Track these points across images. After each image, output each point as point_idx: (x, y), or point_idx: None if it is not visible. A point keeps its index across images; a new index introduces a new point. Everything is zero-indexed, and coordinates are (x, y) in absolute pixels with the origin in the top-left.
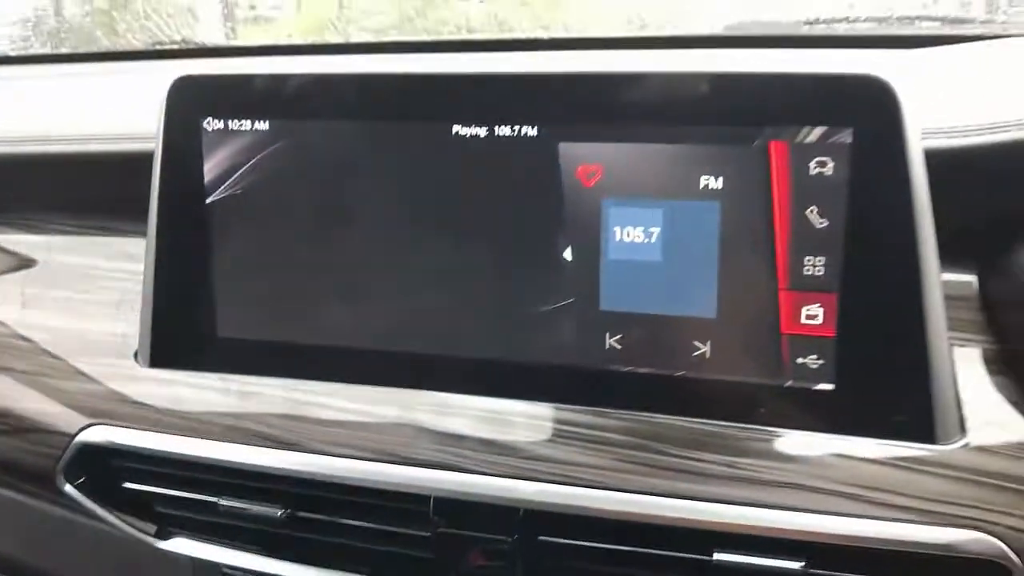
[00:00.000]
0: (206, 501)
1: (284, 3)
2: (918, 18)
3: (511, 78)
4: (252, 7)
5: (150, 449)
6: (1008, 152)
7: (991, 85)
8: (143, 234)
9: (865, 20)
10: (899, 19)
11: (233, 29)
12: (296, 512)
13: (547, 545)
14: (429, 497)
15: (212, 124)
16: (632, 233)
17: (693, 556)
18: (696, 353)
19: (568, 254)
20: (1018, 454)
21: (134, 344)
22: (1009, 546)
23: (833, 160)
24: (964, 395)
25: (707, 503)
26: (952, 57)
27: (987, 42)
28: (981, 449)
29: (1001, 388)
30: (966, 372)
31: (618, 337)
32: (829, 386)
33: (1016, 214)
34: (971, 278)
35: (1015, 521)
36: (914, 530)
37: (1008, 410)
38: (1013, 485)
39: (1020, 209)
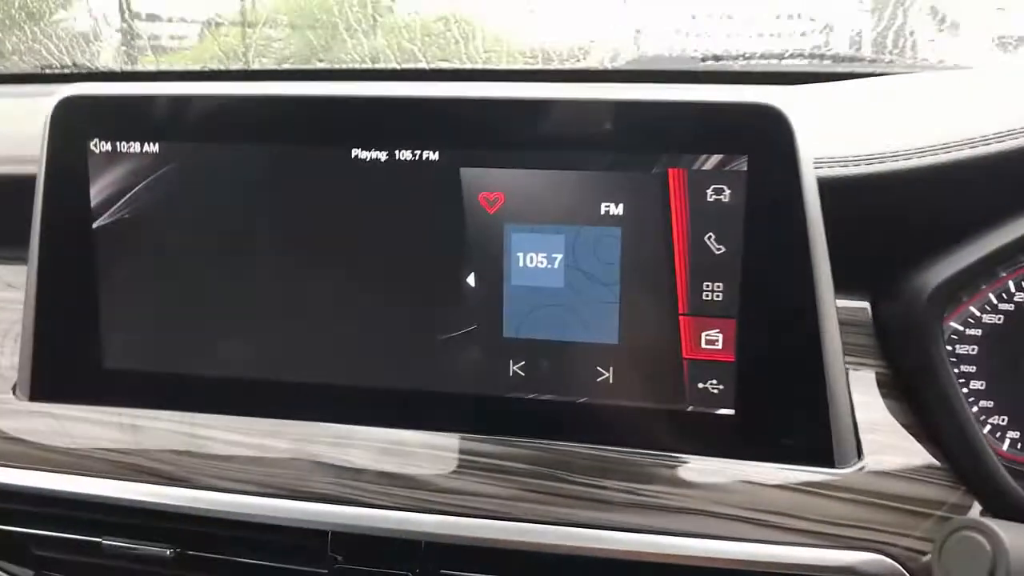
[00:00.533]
0: (89, 542)
1: (188, 32)
2: (812, 56)
3: (412, 101)
4: (154, 36)
5: (28, 487)
6: (894, 181)
7: (877, 118)
8: (15, 260)
9: (760, 57)
10: (792, 55)
11: (132, 58)
12: (186, 551)
13: None
14: (327, 532)
15: (99, 145)
16: (535, 259)
17: None
18: (599, 379)
19: (471, 280)
20: (913, 476)
21: (10, 376)
22: (904, 567)
23: (730, 187)
24: (859, 419)
25: (610, 531)
26: (841, 92)
27: (873, 79)
28: (878, 472)
29: (895, 412)
30: (861, 396)
31: (521, 364)
32: (729, 411)
33: (905, 240)
34: (864, 304)
35: (910, 542)
36: (815, 553)
37: (902, 433)
38: (908, 507)
39: (909, 235)
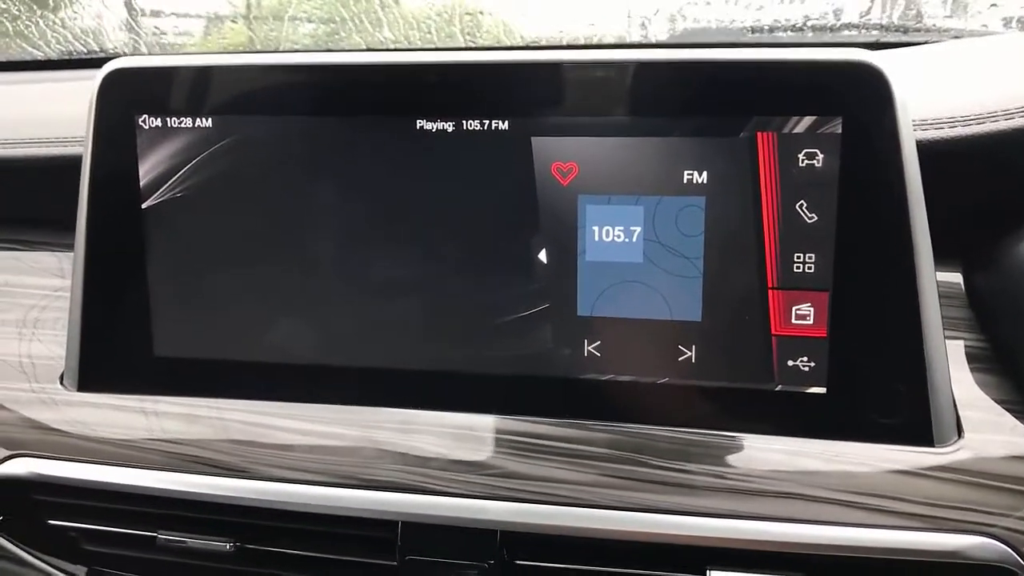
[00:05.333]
0: (143, 536)
1: (193, 29)
2: (861, 26)
3: (479, 66)
4: (160, 32)
5: (79, 480)
6: (993, 142)
7: (971, 79)
8: (57, 247)
9: (812, 28)
10: (844, 26)
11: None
12: (246, 545)
13: (526, 570)
14: (395, 523)
15: (148, 122)
16: (611, 233)
17: (685, 575)
18: (680, 358)
19: (543, 256)
20: (1016, 454)
21: (56, 366)
22: (1015, 550)
23: (823, 151)
24: (957, 395)
25: (696, 517)
26: (922, 55)
27: (954, 41)
28: (979, 450)
29: (991, 387)
30: (956, 371)
31: (597, 344)
32: (821, 389)
33: (1003, 206)
34: (956, 274)
35: (1018, 523)
36: (916, 537)
37: (999, 410)
38: (1014, 486)
39: (1007, 200)
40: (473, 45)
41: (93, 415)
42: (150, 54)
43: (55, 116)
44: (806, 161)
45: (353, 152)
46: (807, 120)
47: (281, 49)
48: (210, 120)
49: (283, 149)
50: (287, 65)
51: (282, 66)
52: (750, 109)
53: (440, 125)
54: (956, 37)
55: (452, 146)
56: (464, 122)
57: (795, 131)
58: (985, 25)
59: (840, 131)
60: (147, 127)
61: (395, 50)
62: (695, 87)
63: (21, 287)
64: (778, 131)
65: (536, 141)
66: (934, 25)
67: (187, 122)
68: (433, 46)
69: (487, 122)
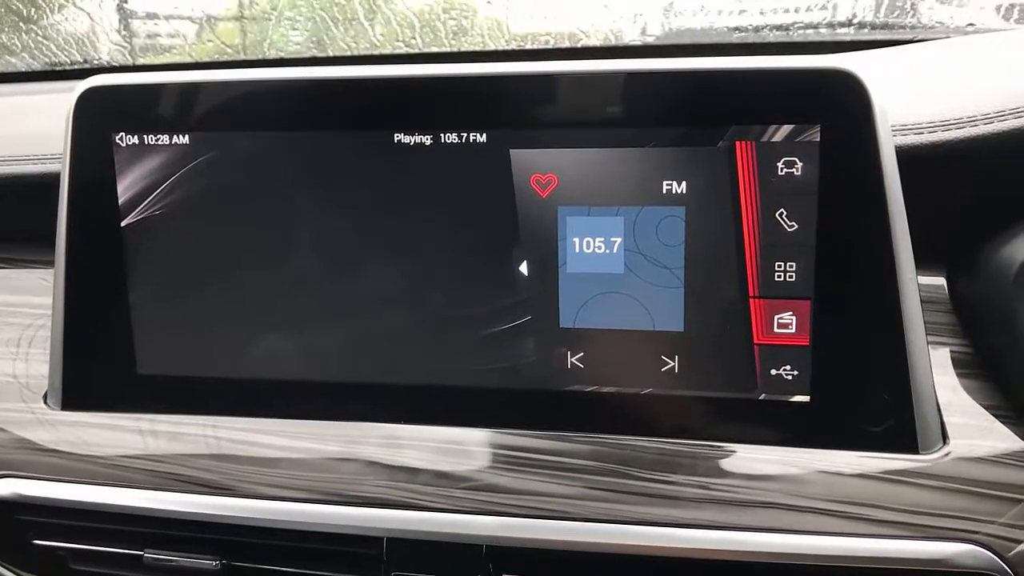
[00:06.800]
0: (129, 555)
1: (184, 31)
2: (848, 24)
3: (456, 79)
4: (151, 35)
5: (65, 500)
6: (974, 147)
7: (949, 82)
8: (38, 264)
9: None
10: (829, 24)
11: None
12: (232, 563)
13: None
14: (381, 539)
15: (126, 139)
16: (592, 244)
17: None
18: (664, 369)
19: (524, 269)
20: (1001, 460)
21: (41, 386)
22: (999, 556)
23: (802, 159)
24: (941, 401)
25: (682, 528)
26: (904, 56)
27: (944, 41)
28: (964, 457)
29: (976, 392)
30: (939, 377)
31: (580, 356)
32: (804, 398)
33: (985, 211)
34: (940, 279)
35: (1003, 529)
36: (902, 545)
37: (984, 415)
38: (999, 492)
39: (990, 205)
40: (454, 50)
41: (77, 434)
42: (130, 65)
43: (37, 131)
44: (785, 170)
45: (331, 167)
46: (785, 128)
47: (267, 54)
48: (187, 137)
49: (261, 165)
50: (264, 80)
51: (259, 81)
52: (728, 118)
53: (418, 139)
54: (943, 34)
55: (430, 160)
56: (442, 135)
57: (774, 140)
58: (972, 24)
59: (819, 139)
60: (124, 144)
61: (378, 60)
62: (673, 97)
63: (11, 306)
64: (757, 140)
65: (515, 153)
66: (919, 22)
67: (164, 139)
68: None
69: (465, 135)
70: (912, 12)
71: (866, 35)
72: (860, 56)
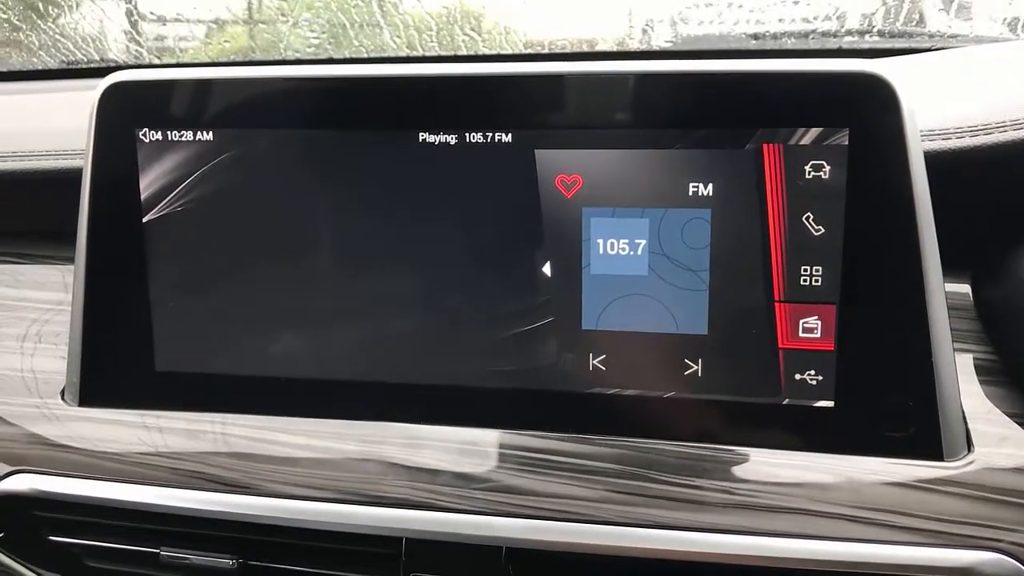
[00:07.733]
0: (145, 553)
1: (193, 34)
2: (872, 32)
3: (482, 79)
4: (160, 37)
5: (81, 496)
6: (1002, 153)
7: (976, 88)
8: (58, 260)
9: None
10: (849, 32)
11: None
12: (249, 562)
13: None
14: (400, 539)
15: (149, 135)
16: (616, 245)
17: None
18: (687, 372)
19: (547, 270)
20: None
21: (58, 381)
22: None
23: (829, 163)
24: (966, 408)
25: (705, 533)
26: (928, 63)
27: (962, 49)
28: (989, 464)
29: (1001, 400)
30: (965, 384)
31: (602, 357)
32: (829, 403)
33: (1012, 216)
34: (965, 286)
35: None
36: (926, 553)
37: (1009, 423)
38: (1023, 501)
39: (1013, 212)
40: (476, 55)
41: (94, 430)
42: (151, 63)
43: (56, 128)
44: (813, 173)
45: (355, 165)
46: (813, 132)
47: (283, 55)
48: (211, 133)
49: (284, 162)
50: (288, 78)
51: (283, 78)
52: (756, 121)
53: (443, 138)
54: (962, 44)
55: (455, 159)
56: (467, 135)
57: (801, 143)
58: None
59: (847, 143)
60: (147, 140)
61: (398, 60)
62: (700, 98)
63: (23, 301)
64: (784, 143)
65: (540, 154)
66: (938, 31)
67: (188, 135)
68: (436, 55)
69: (490, 135)
70: (924, 21)
71: (885, 43)
72: (885, 62)
